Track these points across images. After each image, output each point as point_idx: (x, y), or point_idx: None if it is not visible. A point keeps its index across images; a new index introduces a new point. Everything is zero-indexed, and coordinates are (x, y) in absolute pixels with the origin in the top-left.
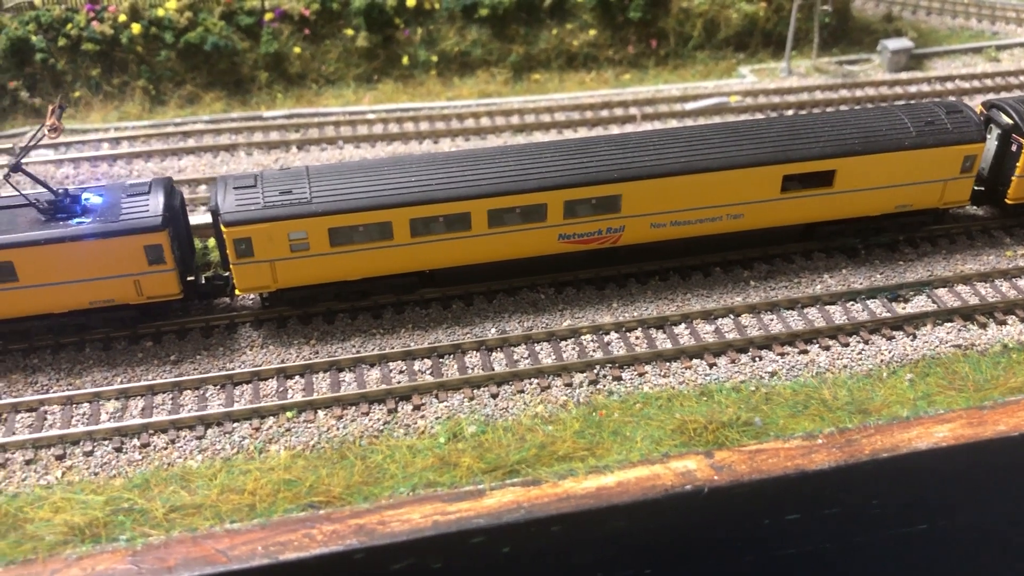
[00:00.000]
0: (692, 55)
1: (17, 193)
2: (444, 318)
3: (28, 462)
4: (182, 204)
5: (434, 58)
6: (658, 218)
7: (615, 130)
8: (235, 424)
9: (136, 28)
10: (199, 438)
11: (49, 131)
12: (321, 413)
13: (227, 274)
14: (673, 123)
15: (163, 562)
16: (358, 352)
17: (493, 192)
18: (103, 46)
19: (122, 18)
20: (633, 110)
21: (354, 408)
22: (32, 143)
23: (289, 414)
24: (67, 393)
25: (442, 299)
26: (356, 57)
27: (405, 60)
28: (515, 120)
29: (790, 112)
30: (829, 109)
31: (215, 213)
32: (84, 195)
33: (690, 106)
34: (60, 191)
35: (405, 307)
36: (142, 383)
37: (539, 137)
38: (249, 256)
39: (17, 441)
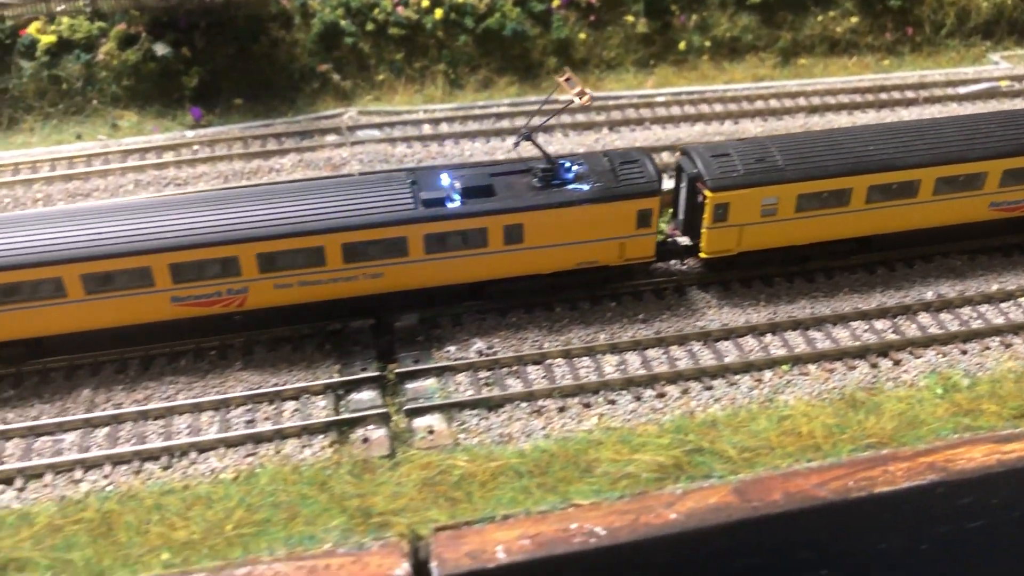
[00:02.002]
0: (944, 42)
1: (516, 160)
2: (875, 282)
3: (560, 410)
4: None
5: (707, 43)
6: None
7: (903, 112)
8: (736, 376)
9: (438, 13)
10: (708, 389)
11: (580, 98)
12: (812, 367)
13: (672, 238)
14: (953, 106)
15: (767, 495)
16: (811, 313)
17: (945, 160)
18: (407, 31)
19: (425, 3)
20: (909, 93)
21: (839, 363)
22: (547, 116)
23: (784, 367)
24: (564, 348)
25: (866, 265)
26: (635, 43)
27: (682, 45)
28: (802, 102)
29: None
30: None
31: (695, 180)
32: (567, 164)
33: (963, 90)
34: (556, 160)
35: (834, 272)
36: (626, 339)
37: (830, 117)
38: (723, 221)
39: (543, 390)
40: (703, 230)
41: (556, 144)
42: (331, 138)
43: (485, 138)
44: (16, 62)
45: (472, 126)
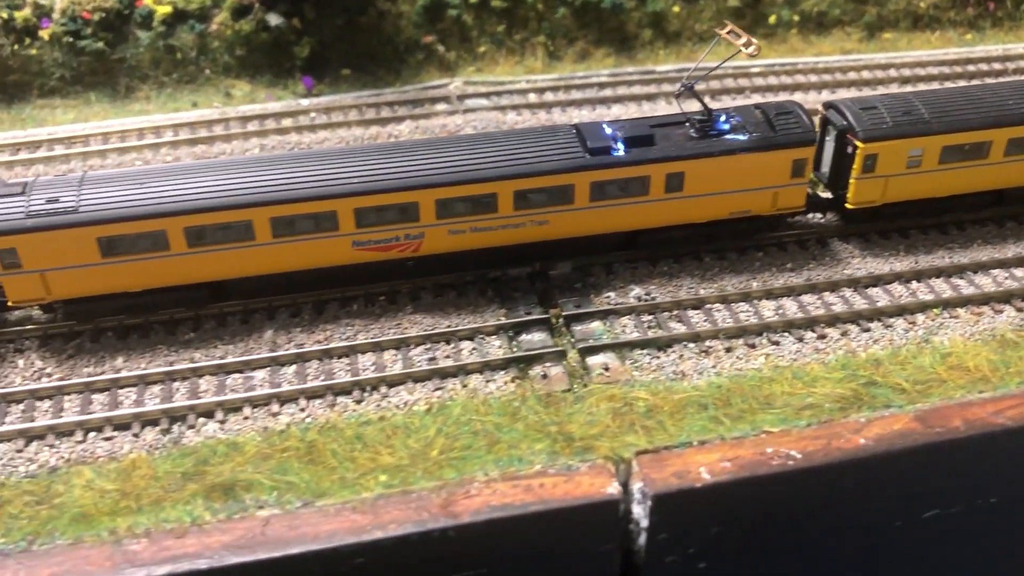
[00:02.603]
0: None
1: (672, 114)
2: (1006, 235)
3: (727, 350)
4: None
5: (796, 17)
6: None
7: (990, 81)
8: (891, 319)
9: None
10: (865, 331)
11: (746, 48)
12: (961, 310)
13: (811, 192)
14: None
15: (948, 423)
16: (951, 262)
17: None
18: (508, 3)
19: None
20: (996, 65)
21: (986, 307)
22: (707, 68)
23: (935, 311)
24: (720, 294)
25: (995, 219)
26: (726, 16)
27: (772, 19)
28: (892, 73)
29: None
30: None
31: (844, 132)
32: (721, 117)
33: None
34: (713, 111)
35: (966, 224)
36: (778, 285)
37: (922, 88)
38: (871, 171)
39: (708, 331)
40: (851, 181)
41: (660, 111)
42: (441, 106)
43: (591, 106)
44: (133, 32)
45: (576, 95)
